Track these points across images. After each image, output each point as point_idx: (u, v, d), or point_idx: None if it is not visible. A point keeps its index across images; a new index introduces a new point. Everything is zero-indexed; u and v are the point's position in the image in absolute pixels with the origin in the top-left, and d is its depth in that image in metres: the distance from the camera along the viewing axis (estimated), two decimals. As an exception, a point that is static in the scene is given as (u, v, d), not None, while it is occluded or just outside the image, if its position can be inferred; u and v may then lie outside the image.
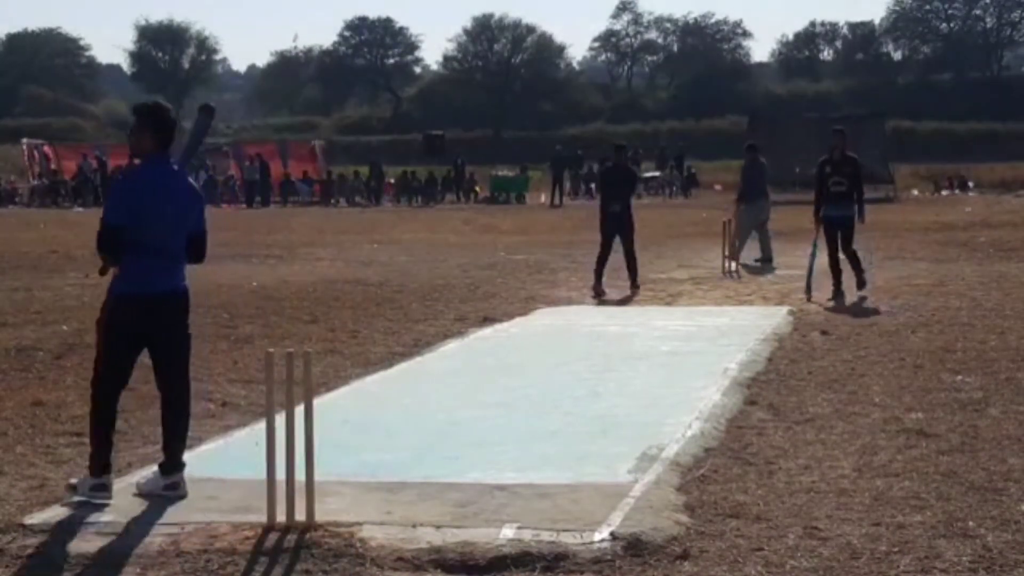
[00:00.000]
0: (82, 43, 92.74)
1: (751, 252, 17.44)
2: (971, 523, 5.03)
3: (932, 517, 5.12)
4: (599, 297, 13.74)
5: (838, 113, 48.48)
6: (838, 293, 12.91)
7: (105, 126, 75.30)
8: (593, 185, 46.67)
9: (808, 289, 13.20)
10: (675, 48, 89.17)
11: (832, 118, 44.89)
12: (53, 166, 44.31)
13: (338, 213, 36.18)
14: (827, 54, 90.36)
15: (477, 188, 44.51)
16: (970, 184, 46.18)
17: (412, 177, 44.20)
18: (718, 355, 9.24)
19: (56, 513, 5.24)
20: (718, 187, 44.42)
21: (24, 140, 45.73)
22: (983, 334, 10.21)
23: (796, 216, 25.31)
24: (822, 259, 13.26)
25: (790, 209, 27.06)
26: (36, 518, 5.17)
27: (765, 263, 17.13)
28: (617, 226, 14.41)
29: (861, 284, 13.14)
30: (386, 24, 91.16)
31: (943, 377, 8.31)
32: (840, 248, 13.14)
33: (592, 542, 4.74)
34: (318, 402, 5.72)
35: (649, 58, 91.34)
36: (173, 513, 5.19)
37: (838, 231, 13.16)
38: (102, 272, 5.58)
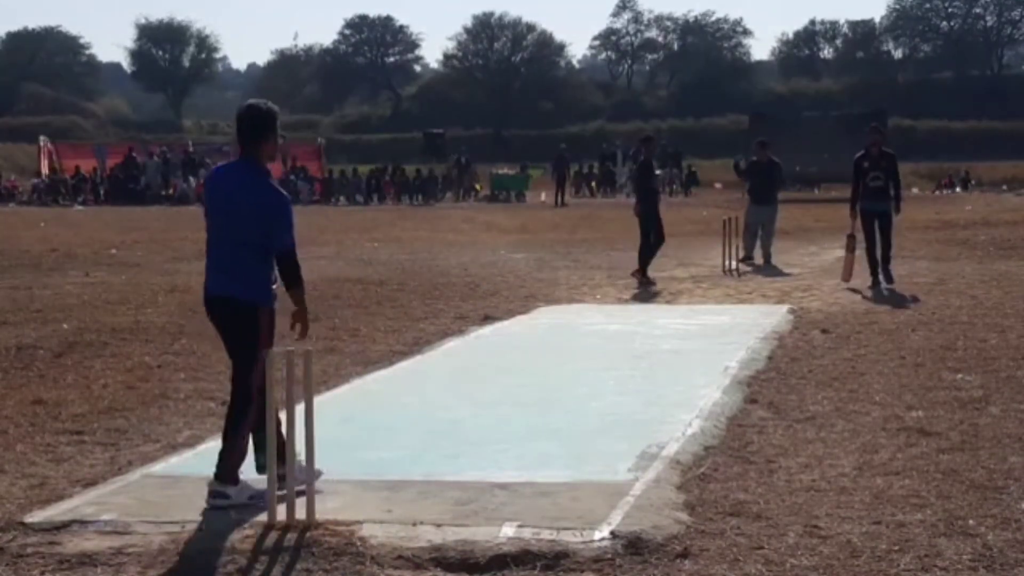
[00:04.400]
0: (82, 41, 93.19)
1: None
2: (971, 521, 5.02)
3: (932, 515, 5.11)
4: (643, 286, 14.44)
5: (838, 112, 48.54)
6: (876, 282, 13.74)
7: (105, 124, 75.39)
8: (594, 184, 46.76)
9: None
10: (675, 46, 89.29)
11: (832, 116, 45.03)
12: (55, 165, 44.32)
13: (338, 212, 36.18)
14: (827, 52, 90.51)
15: (478, 186, 44.52)
16: (972, 182, 46.13)
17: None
18: (718, 353, 9.23)
19: (57, 512, 5.24)
20: (718, 185, 44.48)
21: (41, 138, 45.72)
22: (983, 332, 10.21)
23: (798, 214, 25.36)
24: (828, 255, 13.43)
25: (791, 207, 27.08)
26: (36, 516, 5.17)
27: (748, 260, 16.96)
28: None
29: (886, 267, 13.87)
30: (386, 23, 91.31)
31: (943, 375, 8.30)
32: (878, 236, 13.92)
33: (592, 540, 4.73)
34: (318, 400, 5.73)
35: (649, 56, 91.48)
36: (173, 512, 5.19)
37: (876, 223, 13.94)
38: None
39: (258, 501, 5.18)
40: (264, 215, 5.32)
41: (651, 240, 14.94)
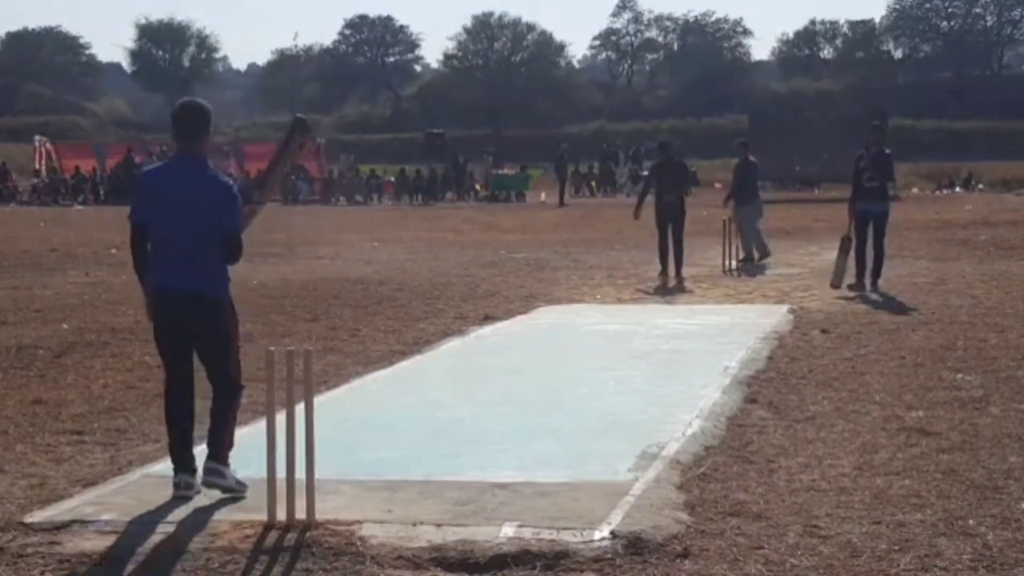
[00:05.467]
0: (82, 41, 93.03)
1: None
2: (971, 521, 5.02)
3: (932, 515, 5.11)
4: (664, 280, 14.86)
5: (838, 112, 48.53)
6: (860, 284, 13.32)
7: (105, 124, 75.37)
8: (594, 183, 46.77)
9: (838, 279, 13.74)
10: (675, 46, 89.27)
11: (832, 117, 45.02)
12: (54, 164, 44.28)
13: (338, 212, 36.18)
14: (827, 52, 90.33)
15: (477, 187, 44.53)
16: (980, 187, 46.02)
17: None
18: (718, 353, 9.23)
19: (57, 512, 5.23)
20: (718, 185, 44.46)
21: (37, 137, 45.61)
22: (983, 332, 10.20)
23: (797, 214, 25.35)
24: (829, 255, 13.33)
25: (791, 207, 27.08)
26: (36, 517, 5.16)
27: (749, 262, 16.96)
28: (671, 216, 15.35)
29: (875, 278, 13.41)
30: (386, 22, 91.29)
31: (943, 375, 8.30)
32: (872, 242, 13.50)
33: (592, 540, 4.73)
34: (318, 400, 5.72)
35: (649, 56, 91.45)
36: (173, 512, 5.19)
37: (870, 225, 13.51)
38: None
39: (242, 489, 5.37)
40: (226, 210, 5.44)
41: (680, 238, 15.26)
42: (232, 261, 5.52)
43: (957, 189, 45.50)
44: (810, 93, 75.43)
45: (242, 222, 5.53)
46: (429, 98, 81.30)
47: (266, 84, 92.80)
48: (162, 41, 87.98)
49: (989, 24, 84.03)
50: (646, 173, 44.79)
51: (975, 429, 6.69)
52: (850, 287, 13.32)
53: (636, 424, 6.85)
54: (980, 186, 45.77)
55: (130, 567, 4.63)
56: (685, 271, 15.41)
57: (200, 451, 5.52)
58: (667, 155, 16.16)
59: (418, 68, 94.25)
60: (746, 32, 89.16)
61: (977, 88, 74.97)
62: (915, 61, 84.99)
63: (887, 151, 13.88)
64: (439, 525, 4.91)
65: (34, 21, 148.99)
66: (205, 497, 5.40)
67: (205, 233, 5.40)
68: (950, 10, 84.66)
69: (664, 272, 15.08)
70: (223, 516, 5.10)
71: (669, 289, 14.46)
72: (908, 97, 69.98)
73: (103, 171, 43.28)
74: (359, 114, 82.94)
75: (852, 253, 13.68)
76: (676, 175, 15.96)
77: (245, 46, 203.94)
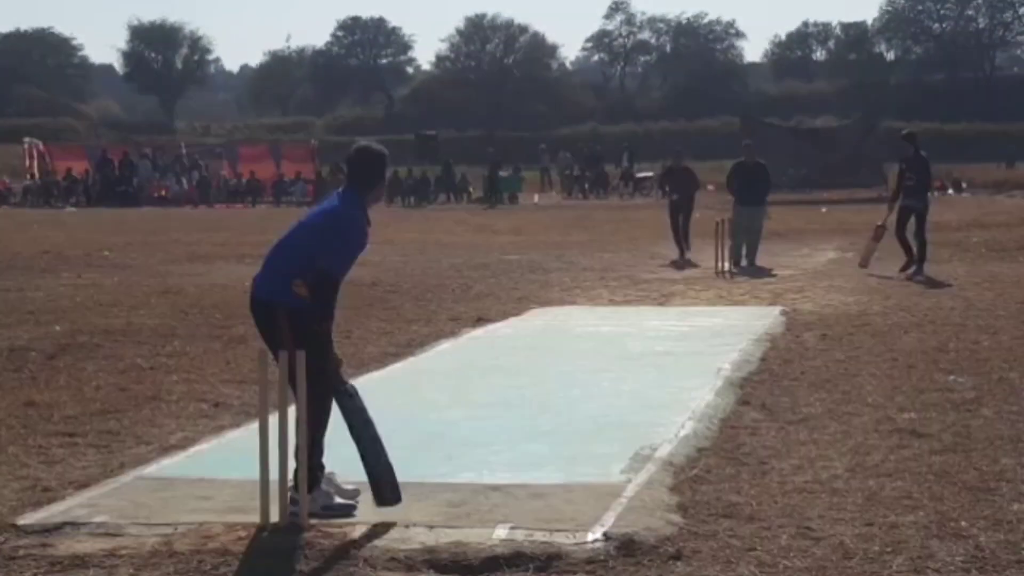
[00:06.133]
0: (74, 43, 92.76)
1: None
2: (964, 523, 5.03)
3: (925, 517, 5.12)
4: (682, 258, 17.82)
5: (829, 114, 48.62)
6: (910, 264, 15.26)
7: (97, 126, 75.23)
8: (587, 186, 46.72)
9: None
10: (668, 48, 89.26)
11: (824, 128, 45.06)
12: (47, 166, 44.14)
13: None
14: (820, 54, 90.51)
15: (471, 188, 44.51)
16: (963, 185, 46.20)
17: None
18: (711, 355, 9.24)
19: (48, 514, 5.23)
20: (711, 187, 44.51)
21: (26, 139, 45.45)
22: (976, 334, 10.22)
23: (789, 217, 25.36)
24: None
25: (784, 210, 27.09)
26: (28, 519, 5.16)
27: (751, 265, 16.97)
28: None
29: (919, 268, 15.11)
30: (379, 24, 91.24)
31: (936, 377, 8.31)
32: (914, 232, 15.41)
33: (585, 542, 4.74)
34: (311, 402, 5.71)
35: (642, 58, 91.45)
36: (166, 514, 5.18)
37: (911, 216, 15.57)
38: None
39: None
40: (323, 233, 5.79)
41: (687, 225, 18.39)
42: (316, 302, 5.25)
43: (950, 192, 45.54)
44: (802, 95, 75.47)
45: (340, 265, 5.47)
46: (422, 100, 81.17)
47: (259, 86, 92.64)
48: (154, 42, 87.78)
49: (981, 26, 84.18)
50: (649, 174, 45.98)
51: (967, 431, 6.70)
52: (901, 269, 15.19)
53: (629, 426, 6.86)
54: (964, 184, 45.93)
55: (122, 569, 4.61)
56: (683, 272, 15.58)
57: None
58: (677, 162, 19.65)
59: (411, 70, 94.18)
60: (738, 34, 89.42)
61: (969, 90, 75.06)
62: (907, 63, 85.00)
63: (923, 155, 15.75)
64: (432, 527, 4.91)
65: (26, 22, 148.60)
66: (198, 498, 5.40)
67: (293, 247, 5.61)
68: (942, 12, 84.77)
69: (681, 254, 17.99)
70: (216, 518, 5.10)
71: (683, 263, 17.24)
72: (900, 99, 70.01)
73: (95, 173, 43.17)
74: (352, 116, 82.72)
75: (886, 241, 15.52)
76: (685, 180, 19.16)
77: (238, 48, 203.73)
